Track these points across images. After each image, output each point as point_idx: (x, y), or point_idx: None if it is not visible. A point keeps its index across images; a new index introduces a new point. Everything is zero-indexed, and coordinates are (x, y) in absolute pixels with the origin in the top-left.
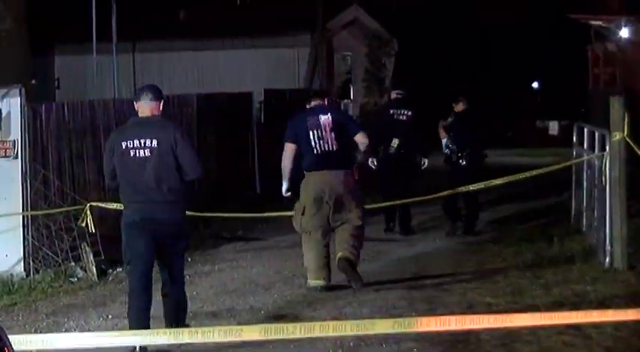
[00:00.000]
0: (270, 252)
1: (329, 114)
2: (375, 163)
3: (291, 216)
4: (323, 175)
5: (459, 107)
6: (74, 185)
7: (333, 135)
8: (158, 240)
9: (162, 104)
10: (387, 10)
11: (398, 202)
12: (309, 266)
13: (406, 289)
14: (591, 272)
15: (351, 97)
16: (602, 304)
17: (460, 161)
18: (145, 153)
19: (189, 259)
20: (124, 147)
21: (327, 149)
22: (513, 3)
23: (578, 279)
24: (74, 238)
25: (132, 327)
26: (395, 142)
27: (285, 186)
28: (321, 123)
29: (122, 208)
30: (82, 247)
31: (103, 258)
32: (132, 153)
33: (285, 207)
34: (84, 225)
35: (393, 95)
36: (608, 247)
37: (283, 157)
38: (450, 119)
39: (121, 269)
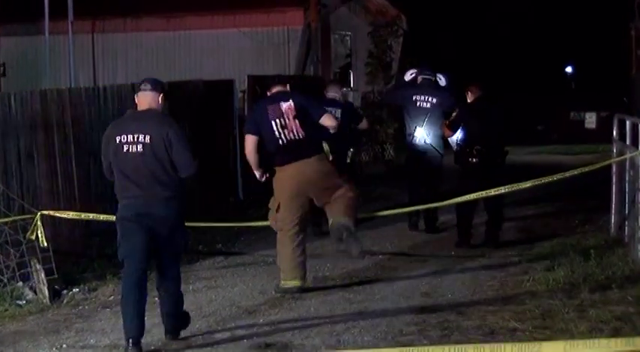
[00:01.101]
0: (255, 269)
1: (290, 100)
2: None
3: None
4: (295, 168)
5: (470, 97)
6: (22, 190)
7: (297, 122)
8: (154, 237)
9: (162, 97)
10: None
11: (421, 207)
12: (282, 266)
13: (416, 312)
14: (635, 292)
15: (351, 85)
16: None
17: (470, 159)
18: (138, 148)
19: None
20: (117, 141)
21: (292, 138)
22: None
23: (619, 300)
24: (22, 253)
25: (126, 327)
26: (419, 132)
27: (258, 174)
28: (284, 111)
29: (79, 217)
30: (32, 264)
31: (56, 276)
32: (125, 149)
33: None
34: (34, 237)
35: (419, 78)
36: None
37: (246, 151)
38: (454, 113)
39: (77, 290)
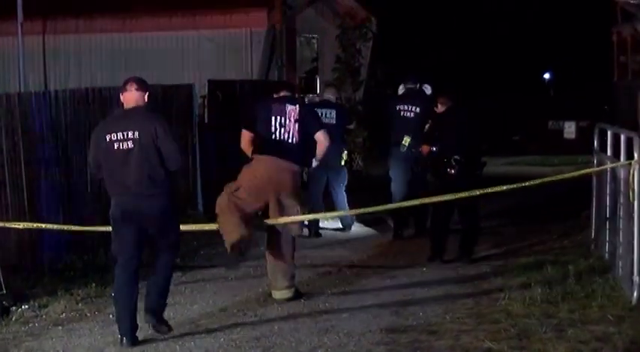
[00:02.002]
0: (215, 285)
1: (297, 105)
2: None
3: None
4: (270, 161)
5: (440, 108)
6: None
7: (296, 126)
8: (145, 232)
9: (147, 95)
10: None
11: (406, 203)
12: (226, 235)
13: (385, 331)
14: (615, 310)
15: (318, 91)
16: (629, 350)
17: (449, 170)
18: (127, 145)
19: (113, 294)
20: (107, 139)
21: (285, 138)
22: None
23: (599, 319)
24: None
25: (119, 321)
26: (406, 141)
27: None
28: (287, 112)
29: (30, 228)
30: None
31: (4, 292)
32: (115, 146)
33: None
34: None
35: (402, 88)
36: (636, 279)
37: (241, 145)
38: (427, 126)
39: (27, 306)
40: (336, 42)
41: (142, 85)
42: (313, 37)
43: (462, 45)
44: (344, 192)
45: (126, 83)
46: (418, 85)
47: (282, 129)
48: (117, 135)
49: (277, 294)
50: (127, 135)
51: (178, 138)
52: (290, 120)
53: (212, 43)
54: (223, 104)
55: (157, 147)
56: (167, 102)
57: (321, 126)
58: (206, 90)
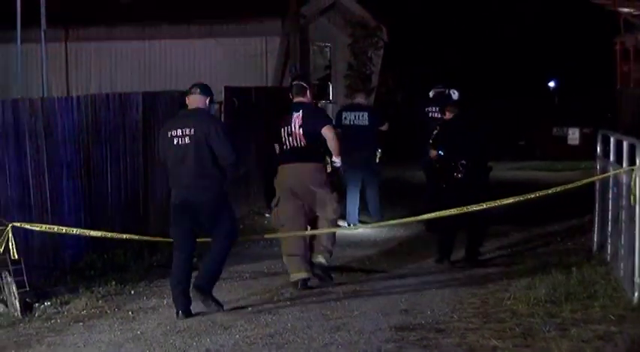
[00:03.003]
0: (231, 284)
1: (301, 110)
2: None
3: (254, 239)
4: (292, 168)
5: (448, 115)
6: None
7: (300, 131)
8: (198, 221)
9: (209, 100)
10: None
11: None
12: (288, 261)
13: (395, 329)
14: (617, 310)
15: (330, 97)
16: (630, 349)
17: (455, 174)
18: (185, 141)
19: (132, 292)
20: (169, 136)
21: (294, 145)
22: None
23: (601, 318)
24: None
25: (175, 297)
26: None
27: None
28: (292, 120)
29: (51, 230)
30: (3, 277)
31: (28, 289)
32: (175, 142)
33: (248, 230)
34: (1, 250)
35: (433, 92)
36: (637, 280)
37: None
38: (435, 132)
39: (49, 303)
40: (348, 50)
41: (205, 90)
42: (326, 46)
43: (471, 52)
44: (377, 191)
45: (192, 87)
46: (447, 90)
47: (290, 138)
48: (177, 132)
49: (313, 258)
50: (185, 131)
51: (233, 138)
52: (295, 127)
53: (228, 50)
54: (239, 110)
55: (209, 144)
56: (184, 108)
57: (325, 122)
58: (222, 96)
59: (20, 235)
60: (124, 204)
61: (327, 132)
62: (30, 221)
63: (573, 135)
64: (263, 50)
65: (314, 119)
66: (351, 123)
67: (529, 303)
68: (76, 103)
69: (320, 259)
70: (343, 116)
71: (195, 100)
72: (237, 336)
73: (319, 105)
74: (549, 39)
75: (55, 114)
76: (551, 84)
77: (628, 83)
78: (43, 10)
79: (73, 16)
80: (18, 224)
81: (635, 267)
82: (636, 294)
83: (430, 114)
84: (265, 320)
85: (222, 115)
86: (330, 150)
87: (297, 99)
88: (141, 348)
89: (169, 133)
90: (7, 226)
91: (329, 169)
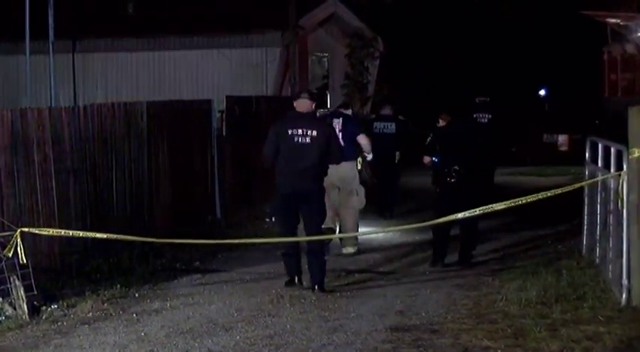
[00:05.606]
0: (232, 287)
1: (341, 118)
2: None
3: (254, 244)
4: (333, 167)
5: (442, 123)
6: (2, 207)
7: (340, 135)
8: (301, 206)
9: (315, 105)
10: (370, 4)
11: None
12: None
13: (390, 330)
14: (606, 311)
15: (328, 106)
16: (618, 348)
17: (448, 179)
18: (306, 140)
19: (137, 295)
20: (290, 133)
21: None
22: None
23: (590, 319)
24: (2, 270)
25: (288, 267)
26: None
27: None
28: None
29: (58, 234)
30: (11, 280)
31: (35, 292)
32: (296, 139)
33: (250, 234)
34: (10, 254)
35: (477, 100)
36: (625, 282)
37: None
38: (428, 139)
39: (56, 306)
40: (345, 60)
41: (312, 96)
42: (324, 56)
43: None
44: (396, 186)
45: (300, 92)
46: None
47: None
48: (298, 131)
49: (344, 250)
50: (307, 132)
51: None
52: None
53: (230, 61)
54: (240, 118)
55: (327, 145)
56: (188, 116)
57: (359, 131)
58: (224, 105)
59: (28, 240)
60: (129, 211)
61: (361, 139)
62: (38, 226)
63: (563, 142)
64: (263, 60)
65: (351, 127)
66: (380, 131)
67: (520, 304)
68: (83, 113)
69: (350, 250)
70: (374, 125)
71: (304, 105)
72: (238, 337)
73: (318, 113)
74: (540, 48)
75: (62, 123)
76: (542, 92)
77: (615, 91)
78: (51, 22)
79: (80, 28)
80: (26, 229)
81: (623, 269)
82: (624, 296)
83: (479, 119)
84: (265, 321)
85: (224, 123)
86: (364, 150)
87: (339, 110)
88: (144, 349)
89: (290, 131)
90: (16, 231)
91: (359, 166)
